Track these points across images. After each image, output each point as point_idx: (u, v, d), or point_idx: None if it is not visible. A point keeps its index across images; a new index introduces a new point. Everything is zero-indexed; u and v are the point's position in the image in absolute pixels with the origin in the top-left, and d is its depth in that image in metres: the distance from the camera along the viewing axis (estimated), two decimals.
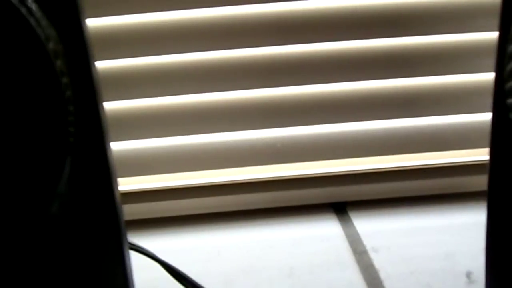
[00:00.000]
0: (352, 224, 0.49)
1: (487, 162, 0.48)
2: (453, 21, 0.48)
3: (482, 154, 0.50)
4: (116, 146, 0.48)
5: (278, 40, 0.48)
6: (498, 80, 0.28)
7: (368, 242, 0.46)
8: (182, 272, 0.38)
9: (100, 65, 0.46)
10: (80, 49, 0.27)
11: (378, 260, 0.43)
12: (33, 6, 0.26)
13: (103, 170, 0.28)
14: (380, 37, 0.48)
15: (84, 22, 0.27)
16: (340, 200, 0.52)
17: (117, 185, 0.29)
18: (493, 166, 0.30)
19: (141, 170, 0.49)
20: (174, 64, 0.48)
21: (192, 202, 0.51)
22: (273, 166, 0.52)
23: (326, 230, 0.48)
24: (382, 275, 0.41)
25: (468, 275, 0.39)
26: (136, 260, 0.31)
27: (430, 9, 0.48)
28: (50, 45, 0.26)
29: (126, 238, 0.30)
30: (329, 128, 0.51)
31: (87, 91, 0.28)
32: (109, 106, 0.47)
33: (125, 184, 0.50)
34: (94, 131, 0.28)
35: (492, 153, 0.29)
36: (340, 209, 0.51)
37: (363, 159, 0.52)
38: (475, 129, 0.50)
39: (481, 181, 0.49)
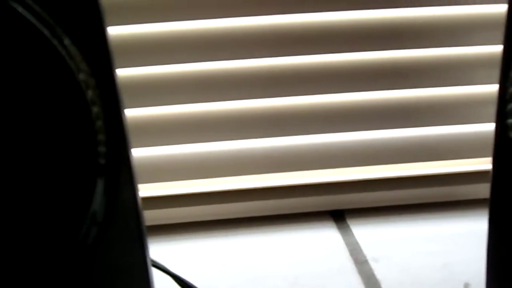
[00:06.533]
0: (351, 232, 0.50)
1: (483, 171, 0.51)
2: (456, 35, 0.50)
3: (478, 163, 0.52)
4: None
5: (281, 51, 0.49)
6: (501, 100, 0.30)
7: (368, 252, 0.47)
8: (193, 285, 0.40)
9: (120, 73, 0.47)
10: (108, 78, 0.28)
11: (379, 270, 0.45)
12: (64, 37, 0.27)
13: (129, 186, 0.29)
14: (383, 49, 0.50)
15: (111, 49, 0.28)
16: (339, 208, 0.54)
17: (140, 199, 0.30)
18: (495, 179, 0.31)
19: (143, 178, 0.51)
20: (180, 74, 0.49)
21: (191, 209, 0.52)
22: (273, 175, 0.53)
23: (326, 238, 0.50)
24: (384, 285, 0.43)
25: (466, 286, 0.41)
26: None
27: (433, 22, 0.49)
28: (81, 76, 0.27)
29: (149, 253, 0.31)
30: (328, 137, 0.52)
31: (115, 115, 0.28)
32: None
33: None
34: (121, 149, 0.28)
35: (494, 166, 0.31)
36: (338, 217, 0.53)
37: (361, 168, 0.53)
38: (471, 139, 0.52)
39: (476, 190, 0.52)
